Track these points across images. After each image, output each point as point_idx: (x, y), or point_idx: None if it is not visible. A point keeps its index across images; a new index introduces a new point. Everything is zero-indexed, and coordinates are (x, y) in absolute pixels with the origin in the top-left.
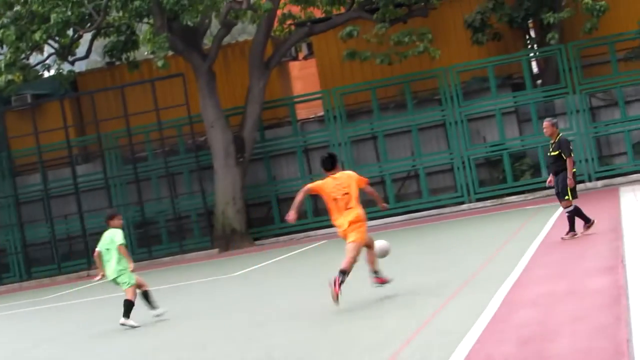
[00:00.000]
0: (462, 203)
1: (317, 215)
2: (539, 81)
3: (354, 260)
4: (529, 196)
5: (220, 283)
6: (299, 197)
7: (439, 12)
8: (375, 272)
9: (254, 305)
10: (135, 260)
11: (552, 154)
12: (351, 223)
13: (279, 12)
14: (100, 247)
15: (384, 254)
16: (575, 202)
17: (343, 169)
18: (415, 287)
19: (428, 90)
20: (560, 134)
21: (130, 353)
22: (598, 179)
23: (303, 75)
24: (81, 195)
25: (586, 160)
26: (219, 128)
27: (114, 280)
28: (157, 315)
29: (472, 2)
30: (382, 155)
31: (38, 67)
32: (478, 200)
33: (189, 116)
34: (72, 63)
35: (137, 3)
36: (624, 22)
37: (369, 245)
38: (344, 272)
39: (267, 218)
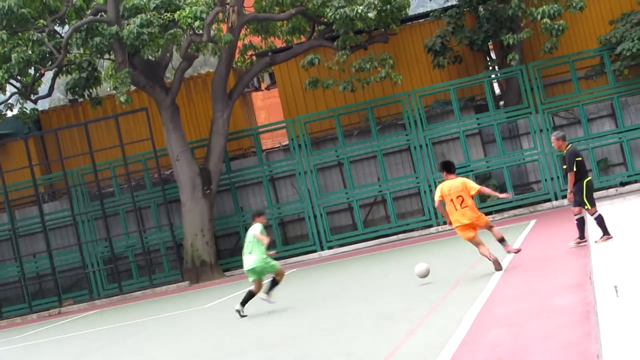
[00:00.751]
0: (431, 226)
1: (286, 244)
2: (502, 102)
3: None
4: (497, 217)
5: (191, 315)
6: (442, 210)
7: (399, 38)
8: (502, 240)
9: (225, 336)
10: (105, 296)
11: (563, 166)
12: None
13: (239, 43)
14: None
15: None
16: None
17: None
18: (385, 312)
19: (392, 115)
20: (569, 146)
21: None
22: (564, 197)
23: (266, 105)
24: (49, 233)
25: (552, 179)
26: (184, 161)
27: (255, 270)
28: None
29: (432, 26)
30: (349, 182)
31: (1, 107)
32: (445, 223)
33: (154, 150)
34: (35, 102)
35: (97, 40)
36: (584, 41)
37: (490, 227)
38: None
39: (235, 249)
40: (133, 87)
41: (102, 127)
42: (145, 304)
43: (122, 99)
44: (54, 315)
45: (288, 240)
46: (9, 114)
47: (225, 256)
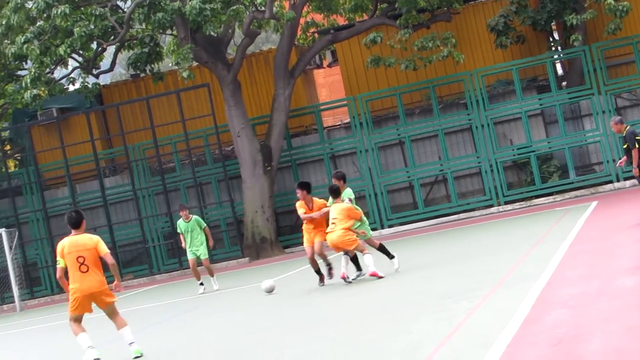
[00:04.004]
0: (491, 206)
1: None
2: (564, 83)
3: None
4: (558, 198)
5: (251, 291)
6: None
7: (462, 17)
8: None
9: (284, 312)
10: (165, 271)
11: (624, 146)
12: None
13: (302, 21)
14: None
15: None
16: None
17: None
18: (446, 291)
19: (453, 94)
20: (628, 127)
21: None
22: (626, 178)
23: (328, 83)
24: (110, 207)
25: (613, 160)
26: (245, 137)
27: None
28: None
29: (495, 5)
30: (410, 161)
31: (63, 81)
32: (507, 203)
33: (215, 126)
34: (97, 76)
35: (159, 15)
36: None
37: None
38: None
39: (296, 226)
40: (195, 63)
41: (163, 102)
42: (205, 279)
43: (185, 74)
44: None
45: None
46: (71, 88)
47: (285, 233)
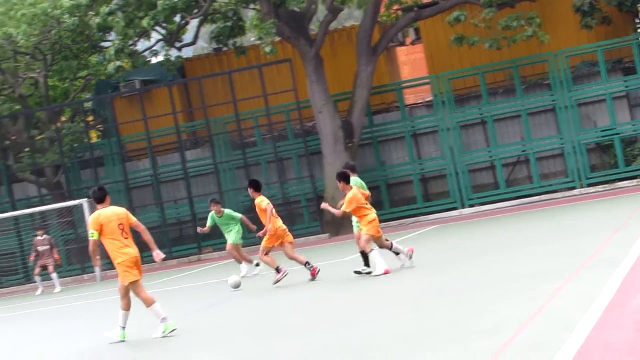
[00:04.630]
0: (574, 188)
1: (427, 200)
2: None
3: None
4: (634, 182)
5: (330, 267)
6: None
7: None
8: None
9: (361, 290)
10: (245, 245)
11: None
12: None
13: None
14: None
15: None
16: None
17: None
18: (528, 273)
19: (537, 75)
20: None
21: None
22: None
23: (410, 61)
24: (190, 180)
25: None
26: (327, 113)
27: None
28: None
29: None
30: (492, 141)
31: (146, 53)
32: (590, 185)
33: (297, 101)
34: (180, 49)
35: None
36: None
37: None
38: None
39: (376, 203)
40: (278, 38)
41: (245, 77)
42: (284, 255)
43: (267, 49)
44: (193, 262)
45: (429, 197)
46: (154, 60)
47: None
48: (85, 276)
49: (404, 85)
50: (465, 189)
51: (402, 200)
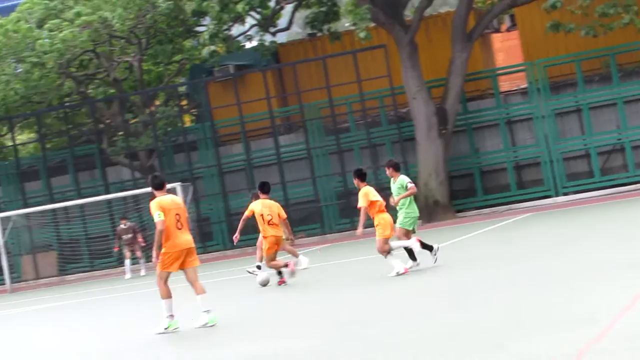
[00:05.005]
0: None
1: (520, 187)
2: None
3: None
4: None
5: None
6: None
7: None
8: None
9: (453, 277)
10: (337, 231)
11: None
12: None
13: None
14: None
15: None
16: None
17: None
18: (622, 262)
19: (634, 62)
20: None
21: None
22: None
23: (505, 47)
24: (283, 165)
25: None
26: (421, 100)
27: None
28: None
29: None
30: (587, 128)
31: (240, 38)
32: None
33: (391, 87)
34: (274, 34)
35: None
36: None
37: None
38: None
39: (469, 190)
40: (372, 24)
41: (339, 62)
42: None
43: (362, 35)
44: None
45: (523, 185)
46: (248, 45)
47: (459, 197)
48: None
49: (499, 72)
50: (559, 176)
51: (495, 188)
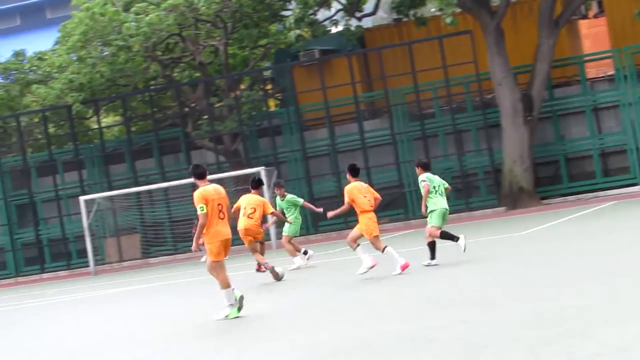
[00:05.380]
0: None
1: (605, 175)
2: None
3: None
4: None
5: (505, 241)
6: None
7: None
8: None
9: (544, 265)
10: (420, 217)
11: None
12: None
13: None
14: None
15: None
16: None
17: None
18: None
19: None
20: None
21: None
22: None
23: (592, 34)
24: (367, 150)
25: None
26: (507, 86)
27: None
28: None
29: None
30: None
31: (326, 22)
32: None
33: (476, 73)
34: (359, 19)
35: None
36: None
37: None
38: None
39: (555, 177)
40: (458, 9)
41: (424, 47)
42: (461, 226)
43: (448, 20)
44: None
45: (608, 172)
46: (334, 30)
47: (544, 184)
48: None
49: (585, 58)
50: None
51: (580, 175)
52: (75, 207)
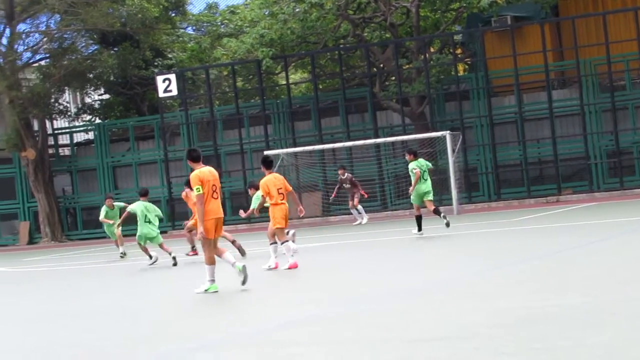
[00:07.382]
0: None
1: None
2: None
3: None
4: None
5: None
6: None
7: None
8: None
9: None
10: (605, 190)
11: None
12: None
13: None
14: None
15: None
16: None
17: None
18: None
19: None
20: None
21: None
22: None
23: None
24: (555, 120)
25: None
26: None
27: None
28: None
29: None
30: None
31: None
32: None
33: None
34: None
35: None
36: None
37: None
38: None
39: None
40: None
41: (619, 19)
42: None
43: None
44: (551, 202)
45: None
46: None
47: None
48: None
49: None
50: None
51: None
52: (258, 162)
